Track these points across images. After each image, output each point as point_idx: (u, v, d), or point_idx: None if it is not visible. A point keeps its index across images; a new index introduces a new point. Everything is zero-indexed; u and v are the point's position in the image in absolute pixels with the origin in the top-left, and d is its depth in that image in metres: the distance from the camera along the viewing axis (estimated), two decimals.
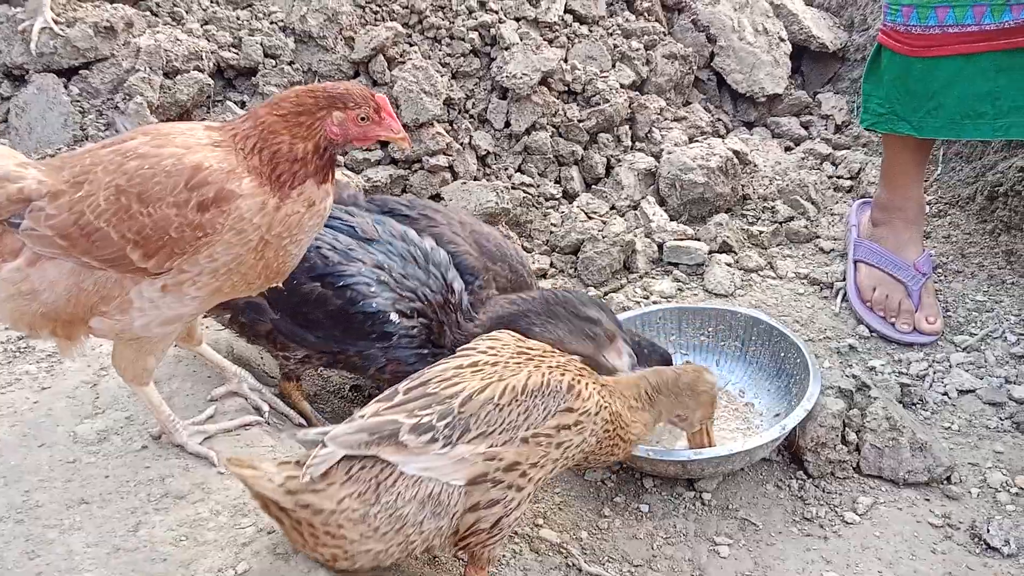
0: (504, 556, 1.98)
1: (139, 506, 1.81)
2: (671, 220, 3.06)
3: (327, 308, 2.01)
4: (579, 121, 3.18)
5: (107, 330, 1.70)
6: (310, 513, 1.56)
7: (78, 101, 2.82)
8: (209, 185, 1.58)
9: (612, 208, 3.13)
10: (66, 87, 2.82)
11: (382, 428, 1.58)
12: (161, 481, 1.86)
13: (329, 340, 2.03)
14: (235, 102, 2.99)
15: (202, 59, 2.91)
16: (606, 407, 1.78)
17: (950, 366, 2.55)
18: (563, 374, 1.73)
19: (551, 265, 2.94)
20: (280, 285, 1.81)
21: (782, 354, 2.43)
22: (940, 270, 2.89)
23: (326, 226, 2.07)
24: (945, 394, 2.47)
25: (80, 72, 2.84)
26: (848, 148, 3.50)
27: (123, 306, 1.65)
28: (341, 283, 2.00)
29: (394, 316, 2.01)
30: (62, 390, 2.14)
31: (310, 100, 1.64)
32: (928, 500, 2.18)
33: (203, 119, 2.93)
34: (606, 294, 2.85)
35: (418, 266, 2.07)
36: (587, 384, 1.76)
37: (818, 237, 3.10)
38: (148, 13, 3.02)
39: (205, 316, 2.21)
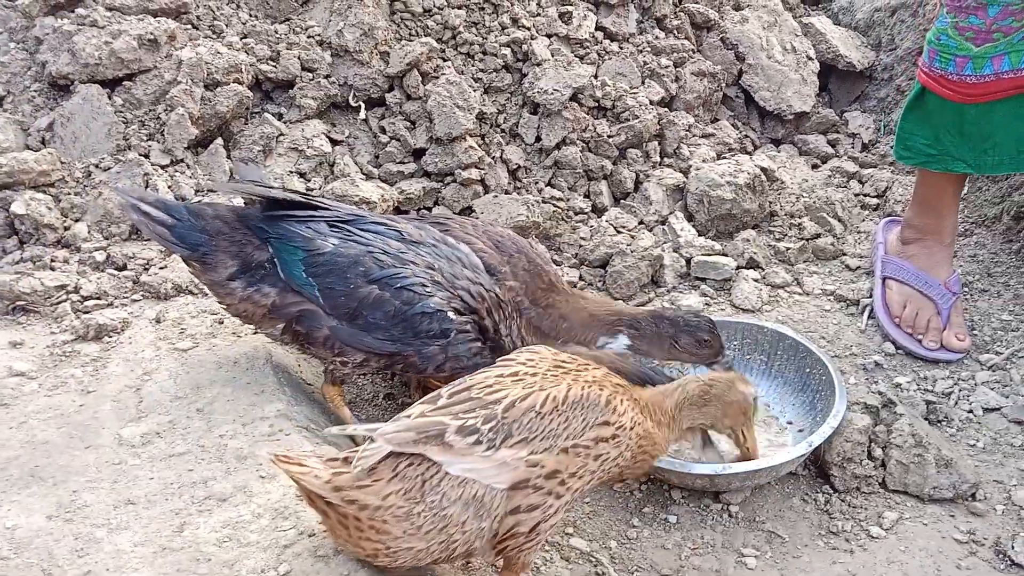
0: (536, 564, 2.03)
1: (183, 508, 1.86)
2: (699, 235, 3.10)
3: (385, 310, 2.07)
4: (609, 136, 3.22)
5: None
6: (356, 508, 1.62)
7: (121, 112, 2.88)
8: None
9: (640, 223, 3.17)
10: (110, 98, 2.89)
11: (428, 428, 1.64)
12: (204, 484, 1.92)
13: (387, 341, 2.09)
14: (272, 114, 3.05)
15: (241, 72, 2.97)
16: (640, 423, 1.83)
17: (975, 384, 2.58)
18: (601, 389, 1.78)
19: (580, 278, 2.98)
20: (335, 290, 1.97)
21: (807, 370, 2.47)
22: (966, 289, 2.92)
23: (374, 232, 2.14)
24: (970, 412, 2.50)
25: (124, 83, 2.91)
26: (875, 166, 3.53)
27: None
28: (398, 284, 2.07)
29: (451, 314, 2.08)
30: (107, 394, 2.20)
31: None
32: (953, 516, 2.21)
33: (240, 131, 3.00)
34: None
35: (464, 267, 2.14)
36: (622, 400, 1.81)
37: (844, 255, 3.13)
38: (189, 26, 3.08)
39: (256, 331, 2.28)
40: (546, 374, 1.78)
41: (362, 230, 2.14)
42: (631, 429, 1.80)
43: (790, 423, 2.45)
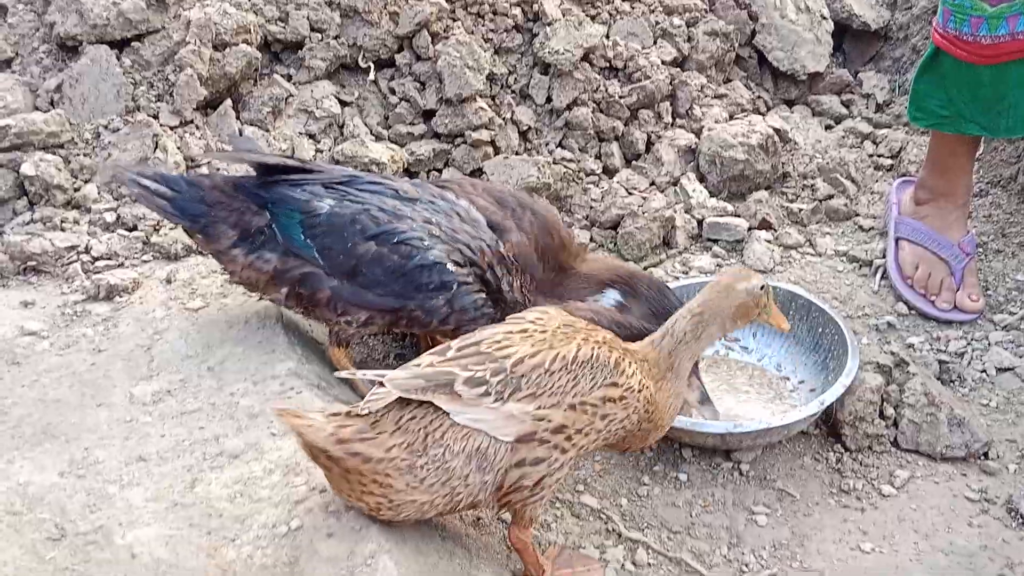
0: (547, 521, 2.04)
1: (195, 464, 1.87)
2: (711, 196, 3.08)
3: (384, 265, 2.07)
4: (620, 97, 3.19)
5: None
6: (360, 461, 1.62)
7: (130, 73, 2.87)
8: None
9: (652, 184, 3.15)
10: (118, 59, 2.87)
11: (438, 377, 1.64)
12: (216, 441, 1.93)
13: (389, 297, 2.09)
14: (282, 75, 3.03)
15: (250, 32, 2.95)
16: (647, 387, 1.81)
17: (989, 344, 2.56)
18: (611, 351, 1.77)
19: (591, 239, 2.97)
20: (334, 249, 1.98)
21: (820, 329, 2.45)
22: (981, 249, 2.90)
23: (369, 192, 2.13)
24: (983, 372, 2.49)
25: (132, 44, 2.89)
26: (889, 127, 3.49)
27: None
28: (396, 239, 2.06)
29: (451, 265, 2.07)
30: (118, 353, 2.21)
31: None
32: (965, 475, 2.21)
33: (249, 92, 2.98)
34: (645, 268, 2.87)
35: (463, 221, 2.12)
36: (631, 363, 1.80)
37: (858, 215, 3.10)
38: None
39: (261, 298, 2.27)
40: (555, 332, 1.77)
41: (358, 190, 2.14)
42: (639, 392, 1.79)
43: (802, 382, 2.44)
